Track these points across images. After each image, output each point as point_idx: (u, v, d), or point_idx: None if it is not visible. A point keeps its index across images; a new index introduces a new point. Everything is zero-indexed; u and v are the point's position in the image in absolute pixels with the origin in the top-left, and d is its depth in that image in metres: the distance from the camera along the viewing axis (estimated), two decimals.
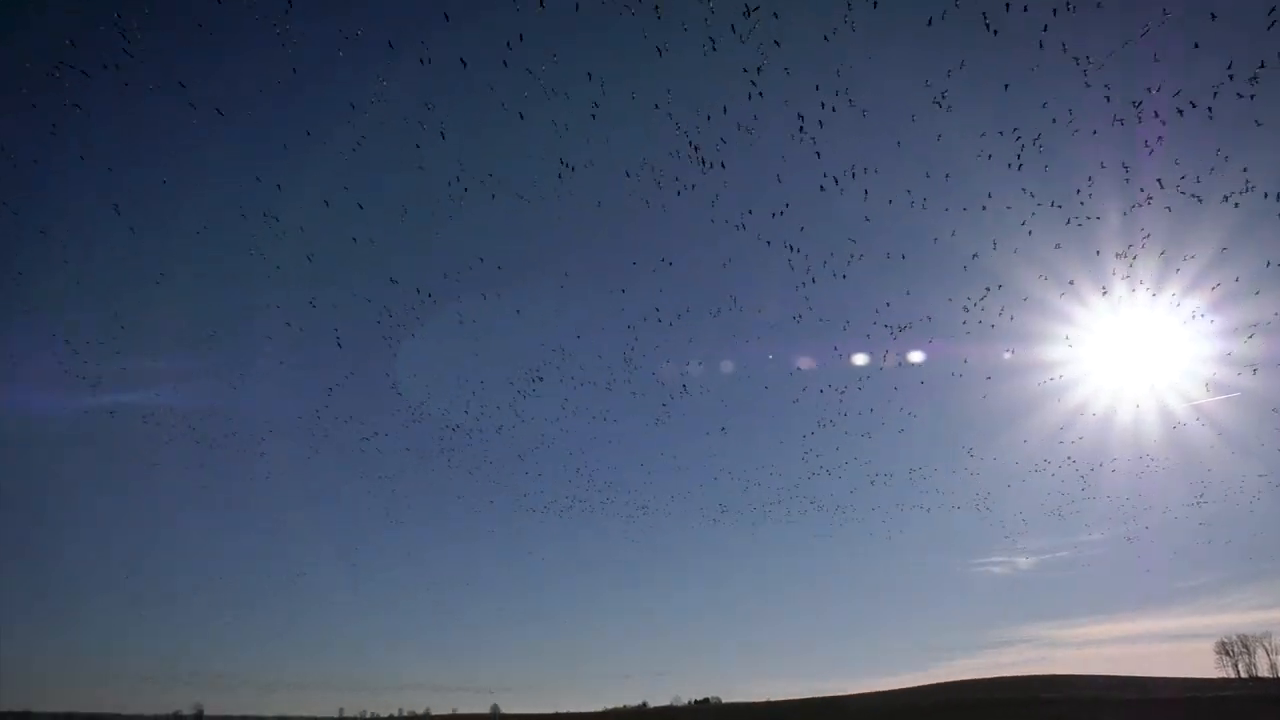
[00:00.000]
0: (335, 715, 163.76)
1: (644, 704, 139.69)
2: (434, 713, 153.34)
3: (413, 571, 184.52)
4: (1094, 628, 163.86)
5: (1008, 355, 43.46)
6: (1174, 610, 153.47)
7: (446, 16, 21.35)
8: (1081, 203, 25.27)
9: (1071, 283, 32.24)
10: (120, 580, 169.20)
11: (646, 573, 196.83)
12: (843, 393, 45.53)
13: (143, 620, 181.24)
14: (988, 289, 30.72)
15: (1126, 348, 46.95)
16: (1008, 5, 16.01)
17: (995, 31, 16.89)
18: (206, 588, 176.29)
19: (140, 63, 21.95)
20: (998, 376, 45.62)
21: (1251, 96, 18.61)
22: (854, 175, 21.45)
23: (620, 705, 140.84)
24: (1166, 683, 79.38)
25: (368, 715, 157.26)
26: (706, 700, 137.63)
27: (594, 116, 23.25)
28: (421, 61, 21.71)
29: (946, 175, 23.23)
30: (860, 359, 47.18)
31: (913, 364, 42.98)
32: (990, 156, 23.27)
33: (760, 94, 20.04)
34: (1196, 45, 18.87)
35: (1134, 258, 28.70)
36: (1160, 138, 21.06)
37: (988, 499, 60.44)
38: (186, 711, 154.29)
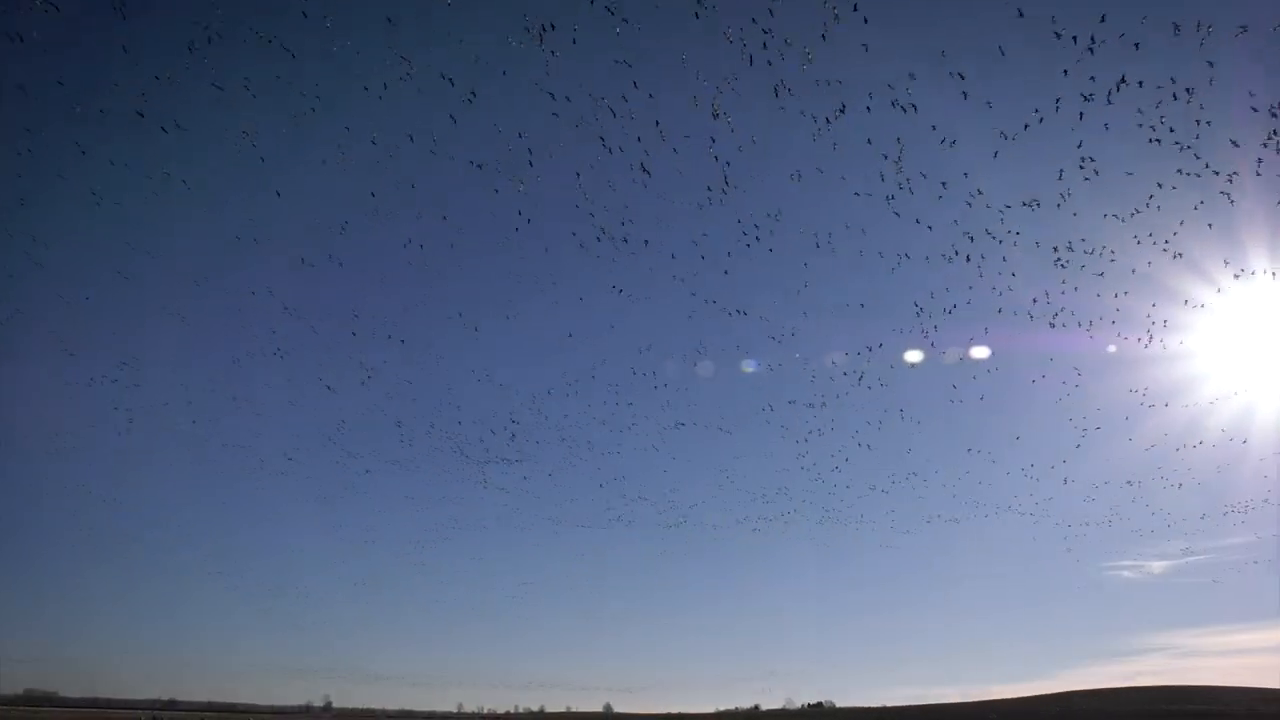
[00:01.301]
0: (454, 710, 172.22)
1: (756, 706, 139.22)
2: (548, 710, 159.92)
3: (533, 575, 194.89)
4: (1238, 636, 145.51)
5: (1111, 349, 40.69)
6: None
7: (384, 86, 24.94)
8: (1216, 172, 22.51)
9: (1199, 267, 29.79)
10: (254, 580, 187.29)
11: (764, 576, 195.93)
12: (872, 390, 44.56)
13: (276, 618, 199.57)
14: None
15: (1264, 333, 42.43)
16: (842, 108, 17.36)
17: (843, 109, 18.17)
18: (331, 590, 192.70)
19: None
20: (1116, 372, 41.83)
21: None
22: (759, 237, 22.95)
23: (733, 707, 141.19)
24: None
25: (485, 711, 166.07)
26: (819, 704, 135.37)
27: (530, 164, 26.25)
28: (373, 142, 26.03)
29: (863, 229, 23.91)
30: (914, 355, 46.47)
31: (975, 359, 41.60)
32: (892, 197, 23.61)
33: (648, 175, 22.35)
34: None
35: None
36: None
37: (1116, 499, 55.21)
38: (316, 703, 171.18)
